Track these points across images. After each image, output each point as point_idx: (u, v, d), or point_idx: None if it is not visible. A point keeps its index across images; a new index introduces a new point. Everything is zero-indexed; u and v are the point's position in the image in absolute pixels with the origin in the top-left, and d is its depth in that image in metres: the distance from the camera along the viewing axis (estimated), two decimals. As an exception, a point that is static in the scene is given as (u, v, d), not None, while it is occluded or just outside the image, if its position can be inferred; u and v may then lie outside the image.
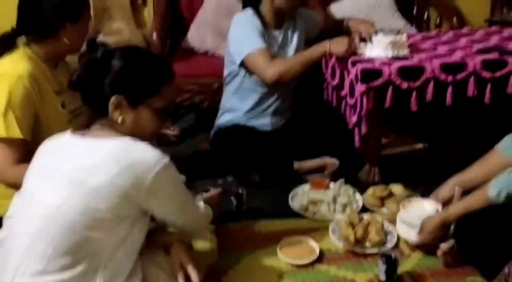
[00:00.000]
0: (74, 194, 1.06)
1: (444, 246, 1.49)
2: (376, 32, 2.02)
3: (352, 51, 1.95)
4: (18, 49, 1.50)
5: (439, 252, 1.50)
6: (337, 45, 1.92)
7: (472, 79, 1.87)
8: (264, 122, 2.20)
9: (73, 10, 1.51)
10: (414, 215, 1.58)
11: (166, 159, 1.12)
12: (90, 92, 1.17)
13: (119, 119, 1.15)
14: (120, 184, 1.07)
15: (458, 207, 1.44)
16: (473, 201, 1.39)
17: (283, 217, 1.86)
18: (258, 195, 1.98)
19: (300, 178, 2.10)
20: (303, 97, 2.34)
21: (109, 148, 1.10)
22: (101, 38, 2.79)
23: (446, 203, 1.57)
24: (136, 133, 1.17)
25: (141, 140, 1.15)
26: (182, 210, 1.24)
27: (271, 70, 1.94)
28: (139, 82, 1.16)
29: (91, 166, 1.08)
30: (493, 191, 1.31)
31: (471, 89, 1.87)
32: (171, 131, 2.12)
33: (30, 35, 1.51)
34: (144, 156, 1.10)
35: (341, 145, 2.12)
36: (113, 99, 1.14)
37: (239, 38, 2.03)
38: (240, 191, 1.87)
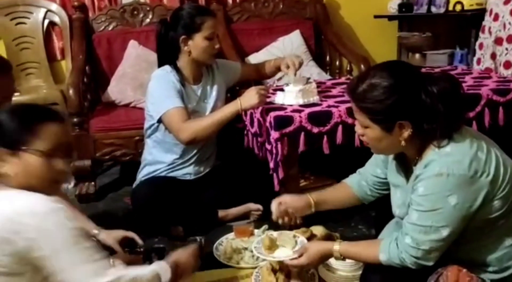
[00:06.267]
0: None
1: None
2: (287, 84, 2.13)
3: (265, 99, 2.00)
4: None
5: None
6: (248, 100, 1.95)
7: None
8: (187, 172, 2.20)
9: None
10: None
11: (53, 204, 1.06)
12: None
13: (3, 172, 1.10)
14: (4, 236, 1.02)
15: (350, 250, 1.41)
16: (365, 254, 1.38)
17: (208, 268, 1.84)
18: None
19: (225, 226, 2.10)
20: (225, 145, 2.38)
21: None
22: (16, 97, 2.72)
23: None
24: (32, 185, 1.11)
25: (41, 191, 1.09)
26: (77, 261, 1.07)
27: (184, 133, 1.97)
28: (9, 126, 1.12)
29: None
30: (383, 256, 1.31)
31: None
32: None
33: None
34: (28, 202, 1.06)
35: (264, 190, 2.16)
36: None
37: (156, 96, 2.05)
38: (161, 245, 1.83)
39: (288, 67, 2.21)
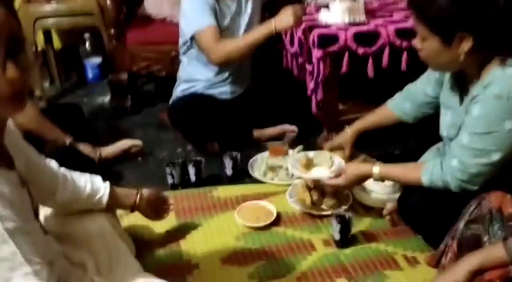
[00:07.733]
0: None
1: (389, 205, 1.53)
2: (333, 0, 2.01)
3: (301, 20, 1.90)
4: None
5: (385, 212, 1.55)
6: (283, 20, 1.86)
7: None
8: (223, 90, 2.18)
9: None
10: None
11: None
12: None
13: None
14: None
15: (390, 172, 1.40)
16: (406, 176, 1.37)
17: (243, 183, 1.88)
18: (217, 163, 1.98)
19: (260, 146, 2.11)
20: (263, 65, 2.33)
21: None
22: (53, 4, 2.68)
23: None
24: None
25: None
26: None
27: (216, 54, 1.94)
28: None
29: None
30: (425, 179, 1.29)
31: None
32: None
33: None
34: None
35: (300, 112, 2.14)
36: None
37: (189, 13, 2.01)
38: (198, 158, 1.86)
39: None
